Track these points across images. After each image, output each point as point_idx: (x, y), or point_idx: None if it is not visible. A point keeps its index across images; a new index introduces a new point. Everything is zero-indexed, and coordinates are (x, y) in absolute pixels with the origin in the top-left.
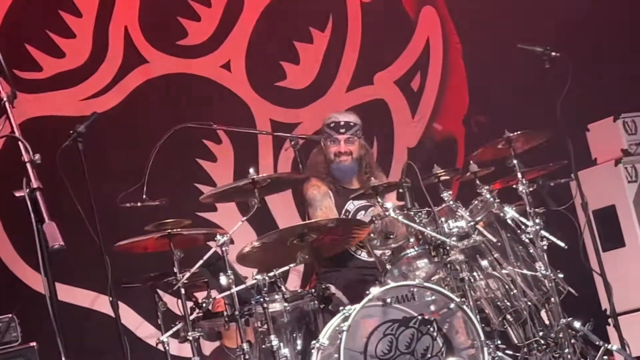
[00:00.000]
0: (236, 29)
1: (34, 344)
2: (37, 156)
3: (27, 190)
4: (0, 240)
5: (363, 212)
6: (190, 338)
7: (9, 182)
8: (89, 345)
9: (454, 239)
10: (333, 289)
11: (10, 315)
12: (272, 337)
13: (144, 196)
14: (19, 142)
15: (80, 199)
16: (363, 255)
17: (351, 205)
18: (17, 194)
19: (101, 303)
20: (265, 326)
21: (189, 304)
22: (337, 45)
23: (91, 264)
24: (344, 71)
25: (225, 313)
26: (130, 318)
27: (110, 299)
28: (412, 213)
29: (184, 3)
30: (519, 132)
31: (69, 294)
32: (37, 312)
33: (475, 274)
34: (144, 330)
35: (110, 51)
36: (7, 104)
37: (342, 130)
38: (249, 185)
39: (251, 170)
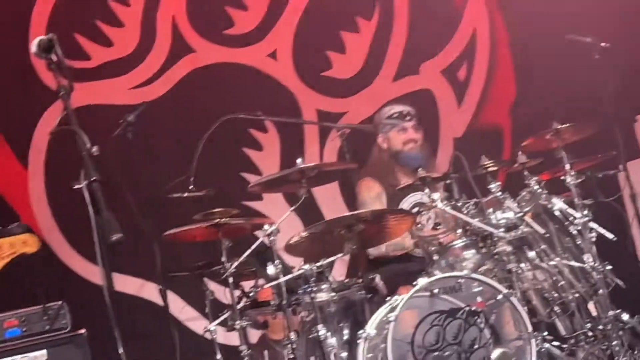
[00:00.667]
0: (283, 18)
1: (83, 331)
2: (95, 148)
3: (85, 181)
4: (51, 229)
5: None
6: (238, 327)
7: (60, 173)
8: (138, 333)
9: (502, 230)
10: (377, 279)
11: (60, 302)
12: (320, 326)
13: (191, 186)
14: (77, 135)
15: (130, 187)
16: (414, 250)
17: (405, 204)
18: (75, 186)
19: (148, 290)
20: (312, 316)
21: (236, 292)
22: (383, 34)
23: (140, 252)
24: (390, 61)
25: (272, 302)
26: (177, 306)
27: (160, 287)
28: (460, 204)
29: None
30: (567, 125)
31: (117, 281)
32: (86, 300)
33: (522, 265)
34: (192, 318)
35: (158, 40)
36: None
37: (408, 118)
38: (296, 175)
39: (299, 160)
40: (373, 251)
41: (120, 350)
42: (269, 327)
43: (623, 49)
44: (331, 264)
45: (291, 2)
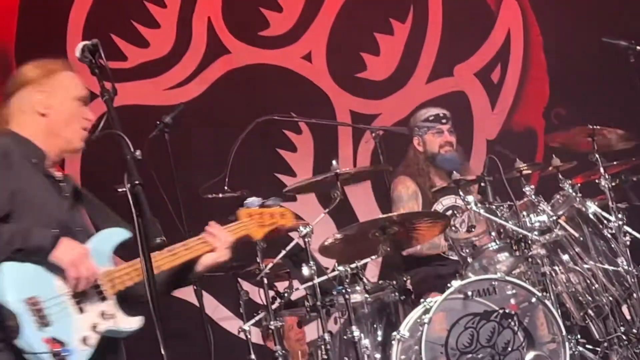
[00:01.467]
0: (317, 20)
1: None
2: (138, 152)
3: (129, 185)
4: None
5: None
6: (273, 327)
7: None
8: (173, 332)
9: (536, 233)
10: (407, 282)
11: None
12: (354, 327)
13: (226, 187)
14: (120, 139)
15: (166, 189)
16: (447, 253)
17: (439, 206)
18: (120, 189)
19: (184, 290)
20: (347, 316)
21: (271, 293)
22: (417, 36)
23: None
24: (424, 63)
25: (306, 303)
26: (212, 306)
27: (195, 287)
28: (494, 207)
29: None
30: (602, 127)
31: None
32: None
33: (556, 268)
34: (226, 318)
35: (194, 41)
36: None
37: (444, 121)
38: (330, 177)
39: (334, 163)
40: (410, 251)
41: (162, 351)
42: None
43: None
44: (364, 265)
45: (326, 3)
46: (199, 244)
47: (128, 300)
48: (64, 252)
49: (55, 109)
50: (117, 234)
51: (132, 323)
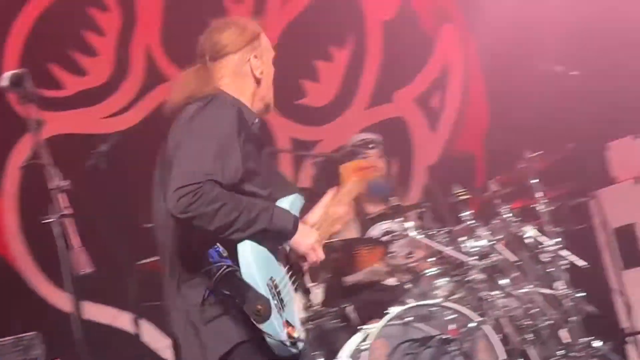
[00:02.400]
0: None
1: None
2: (66, 182)
3: (56, 216)
4: (25, 260)
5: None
6: None
7: (33, 204)
8: None
9: (474, 258)
10: (350, 308)
11: (34, 332)
12: None
13: None
14: (46, 169)
15: (103, 217)
16: (386, 280)
17: (376, 231)
18: (45, 220)
19: (123, 320)
20: None
21: None
22: (356, 63)
23: (114, 282)
24: (363, 89)
25: None
26: (152, 335)
27: (133, 316)
28: (432, 233)
29: (205, 22)
30: (538, 154)
31: (92, 311)
32: (62, 330)
33: (495, 292)
34: (167, 347)
35: (132, 70)
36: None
37: (371, 146)
38: None
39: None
40: (349, 278)
41: None
42: None
43: (593, 77)
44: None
45: (264, 32)
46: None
47: None
48: (303, 236)
49: (265, 73)
50: (299, 201)
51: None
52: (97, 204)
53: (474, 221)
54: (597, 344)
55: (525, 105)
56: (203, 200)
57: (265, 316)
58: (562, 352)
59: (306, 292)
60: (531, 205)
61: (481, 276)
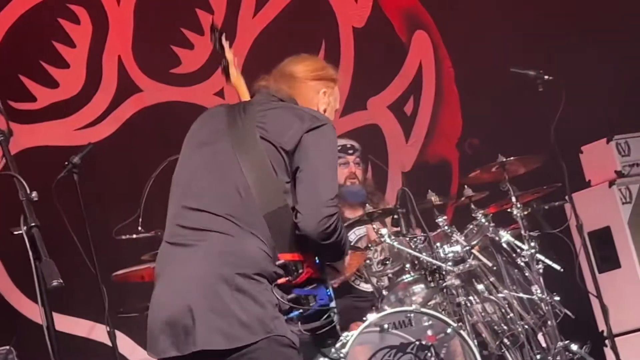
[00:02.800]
0: None
1: None
2: (34, 194)
3: (25, 227)
4: None
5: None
6: None
7: (8, 216)
8: None
9: (450, 263)
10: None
11: (8, 347)
12: None
13: (139, 228)
14: (15, 180)
15: (77, 229)
16: (362, 286)
17: (352, 236)
18: (15, 232)
19: (98, 332)
20: None
21: None
22: None
23: (89, 294)
24: None
25: None
26: (128, 347)
27: (108, 328)
28: (408, 239)
29: (177, 31)
30: (512, 158)
31: (66, 323)
32: (35, 343)
33: (471, 298)
34: (142, 358)
35: (104, 81)
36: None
37: (350, 152)
38: None
39: None
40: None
41: None
42: None
43: (567, 81)
44: None
45: (237, 40)
46: None
47: None
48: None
49: (327, 112)
50: None
51: None
52: (69, 215)
53: (448, 227)
54: (574, 347)
55: (499, 109)
56: (339, 224)
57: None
58: (540, 356)
59: None
60: (506, 210)
61: (457, 282)
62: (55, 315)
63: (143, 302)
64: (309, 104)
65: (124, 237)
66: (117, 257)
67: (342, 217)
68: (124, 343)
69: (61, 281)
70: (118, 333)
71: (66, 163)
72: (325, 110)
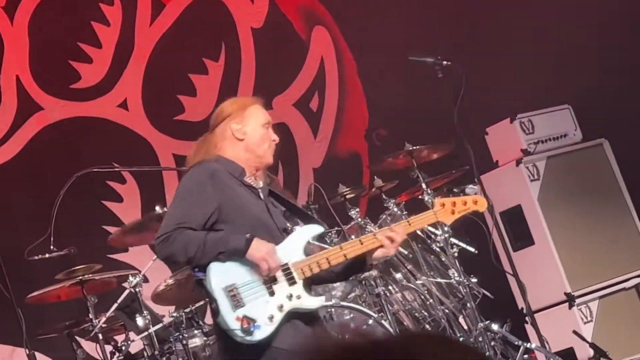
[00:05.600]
0: (130, 66)
1: None
2: None
3: None
4: None
5: None
6: None
7: None
8: None
9: None
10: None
11: None
12: None
13: (52, 247)
14: None
15: None
16: None
17: None
18: None
19: (19, 356)
20: None
21: (109, 348)
22: (232, 73)
23: (5, 318)
24: None
25: (145, 354)
26: None
27: (27, 351)
28: (322, 234)
29: (74, 46)
30: (419, 146)
31: None
32: None
33: (390, 287)
34: None
35: (4, 102)
36: None
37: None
38: (156, 222)
39: (157, 208)
40: None
41: None
42: None
43: (466, 64)
44: (202, 308)
45: (136, 50)
46: (371, 240)
47: (316, 283)
48: (255, 250)
49: (249, 135)
50: (311, 230)
51: (315, 302)
52: None
53: (362, 219)
54: (495, 327)
55: (402, 98)
56: (169, 243)
57: (217, 312)
58: (462, 339)
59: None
60: (418, 197)
61: (375, 272)
62: None
63: (62, 321)
64: (227, 140)
65: (36, 257)
66: (32, 279)
67: None
68: None
69: None
70: (38, 354)
71: None
72: (245, 133)
